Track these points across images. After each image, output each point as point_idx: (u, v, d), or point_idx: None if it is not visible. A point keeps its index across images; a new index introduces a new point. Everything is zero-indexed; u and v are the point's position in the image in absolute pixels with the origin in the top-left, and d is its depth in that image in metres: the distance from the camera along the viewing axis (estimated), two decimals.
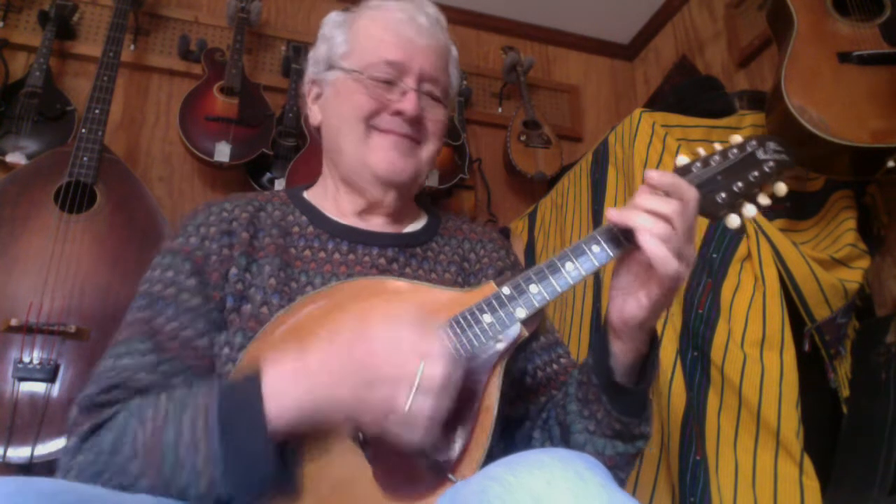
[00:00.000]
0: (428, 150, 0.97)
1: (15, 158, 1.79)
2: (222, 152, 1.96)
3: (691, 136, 1.62)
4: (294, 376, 0.67)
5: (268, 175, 2.09)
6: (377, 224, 0.98)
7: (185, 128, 1.99)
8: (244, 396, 0.67)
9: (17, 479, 0.53)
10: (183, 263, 0.85)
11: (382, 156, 0.92)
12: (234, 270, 0.86)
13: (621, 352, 0.77)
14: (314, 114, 1.02)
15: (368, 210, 0.98)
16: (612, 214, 0.72)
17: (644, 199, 0.71)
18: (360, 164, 0.94)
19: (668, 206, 0.69)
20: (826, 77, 1.37)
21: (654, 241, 0.68)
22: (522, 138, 2.47)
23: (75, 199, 1.62)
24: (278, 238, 0.91)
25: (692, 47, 2.58)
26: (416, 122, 0.94)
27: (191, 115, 2.01)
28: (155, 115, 2.21)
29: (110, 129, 1.87)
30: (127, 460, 0.68)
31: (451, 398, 0.65)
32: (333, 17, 1.03)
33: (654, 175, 0.71)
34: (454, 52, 1.04)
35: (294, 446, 0.69)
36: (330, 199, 1.00)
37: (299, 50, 2.32)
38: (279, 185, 2.06)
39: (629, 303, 0.74)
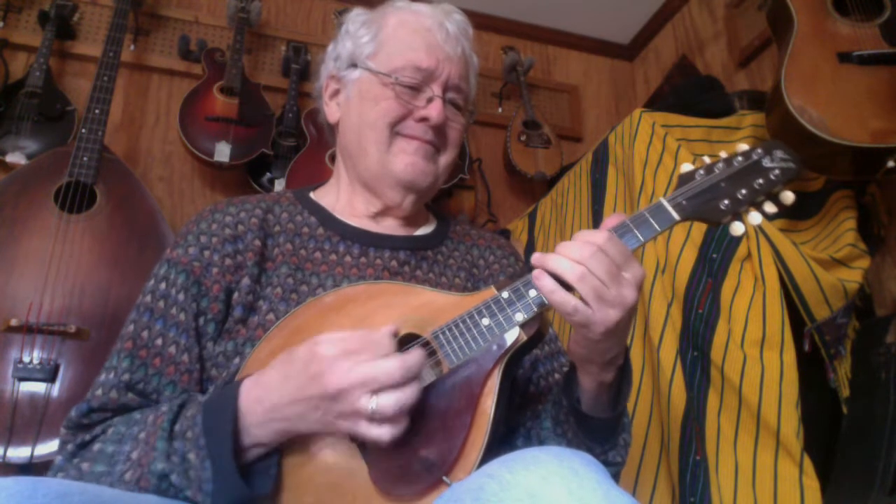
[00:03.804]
0: (447, 157, 0.98)
1: (15, 158, 1.79)
2: (222, 152, 1.96)
3: (691, 137, 1.61)
4: (259, 401, 0.68)
5: (268, 175, 2.09)
6: (389, 226, 0.98)
7: (185, 128, 1.98)
8: (220, 416, 0.68)
9: (31, 478, 0.53)
10: (177, 276, 0.84)
11: (406, 160, 0.92)
12: (246, 281, 0.85)
13: (583, 380, 0.78)
14: (331, 110, 1.01)
15: (383, 213, 0.98)
16: (535, 258, 0.72)
17: (561, 246, 0.71)
18: (382, 167, 0.93)
19: (580, 251, 0.69)
20: (826, 77, 1.37)
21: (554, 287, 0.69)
22: (522, 138, 2.47)
23: (75, 199, 1.62)
24: (287, 243, 0.90)
25: (692, 47, 2.58)
26: (440, 130, 0.94)
27: (191, 115, 2.01)
28: (155, 115, 2.21)
29: (110, 129, 1.87)
30: (112, 480, 0.69)
31: (414, 388, 0.65)
32: (358, 15, 1.01)
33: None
34: (475, 61, 1.03)
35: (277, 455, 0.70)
36: (343, 199, 0.99)
37: (299, 50, 2.32)
38: (279, 185, 2.06)
39: (573, 337, 0.75)
